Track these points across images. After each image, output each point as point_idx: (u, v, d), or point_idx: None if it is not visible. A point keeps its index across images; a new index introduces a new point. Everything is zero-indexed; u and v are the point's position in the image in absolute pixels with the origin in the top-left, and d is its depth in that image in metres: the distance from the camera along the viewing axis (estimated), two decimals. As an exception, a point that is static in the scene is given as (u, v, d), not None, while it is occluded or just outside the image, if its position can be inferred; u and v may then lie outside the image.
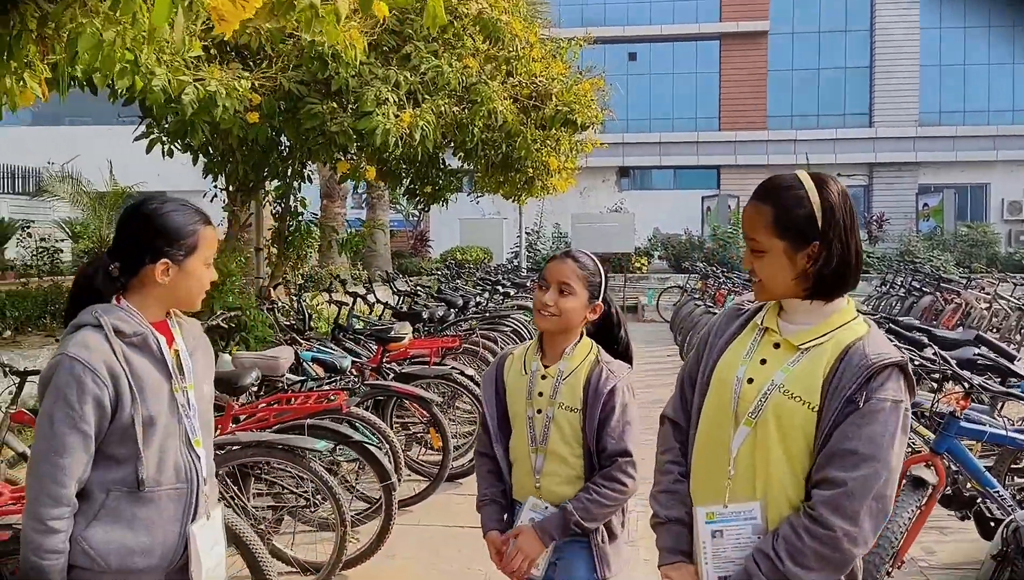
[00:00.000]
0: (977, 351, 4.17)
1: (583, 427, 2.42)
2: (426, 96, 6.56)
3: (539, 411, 2.46)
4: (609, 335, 2.60)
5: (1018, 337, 11.91)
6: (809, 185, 1.86)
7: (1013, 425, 4.25)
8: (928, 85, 29.48)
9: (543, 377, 2.48)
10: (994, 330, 12.12)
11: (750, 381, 1.89)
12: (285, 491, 4.50)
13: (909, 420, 1.81)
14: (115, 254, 2.10)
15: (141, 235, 2.08)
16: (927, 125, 29.09)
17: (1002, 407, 5.62)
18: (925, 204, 28.63)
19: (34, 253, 12.95)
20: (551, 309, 2.44)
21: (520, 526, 2.44)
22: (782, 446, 1.83)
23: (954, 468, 4.16)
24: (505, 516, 2.55)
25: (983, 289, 13.44)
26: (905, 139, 28.74)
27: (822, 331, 1.87)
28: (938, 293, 13.23)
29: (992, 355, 4.14)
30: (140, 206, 2.12)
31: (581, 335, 2.53)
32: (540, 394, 2.47)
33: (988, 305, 12.57)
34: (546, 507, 2.43)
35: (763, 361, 1.90)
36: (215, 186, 8.17)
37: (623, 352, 2.62)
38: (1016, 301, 12.53)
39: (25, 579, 1.92)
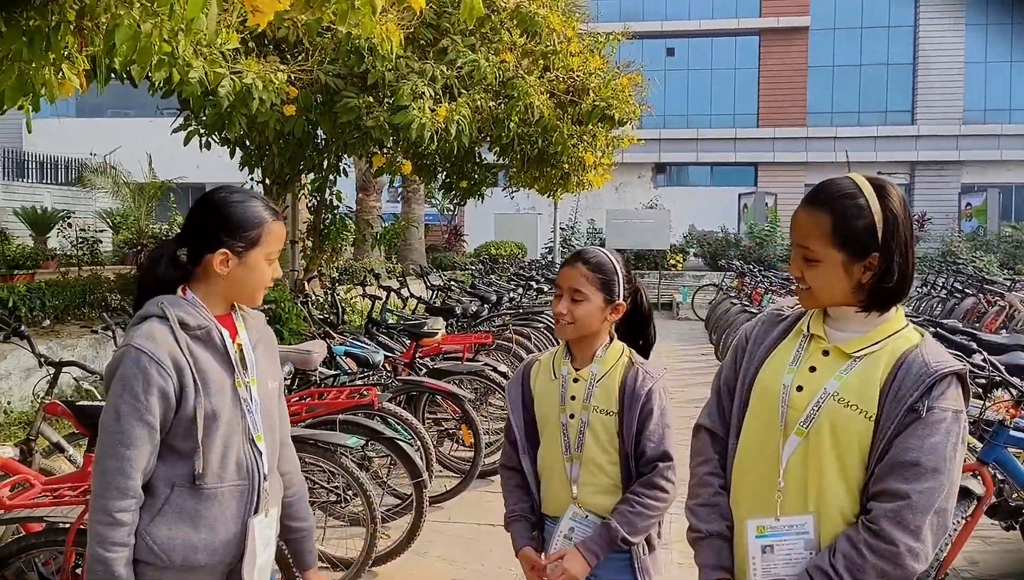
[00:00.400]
0: (1030, 357, 4.04)
1: (619, 431, 2.31)
2: (462, 90, 6.52)
3: (572, 416, 2.34)
4: (637, 329, 2.48)
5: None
6: (869, 192, 1.75)
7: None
8: (972, 82, 28.93)
9: (575, 380, 2.37)
10: (1040, 334, 11.81)
11: (799, 389, 1.81)
12: (316, 486, 4.49)
13: (967, 430, 1.73)
14: (182, 241, 2.10)
15: (206, 223, 2.06)
16: (971, 123, 28.54)
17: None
18: (968, 203, 28.09)
19: (74, 243, 13.12)
20: (566, 318, 2.34)
21: (562, 549, 2.30)
22: (835, 456, 1.75)
23: (1000, 477, 4.04)
24: (534, 532, 2.42)
25: (1029, 291, 13.11)
26: (948, 137, 28.24)
27: (875, 339, 1.78)
28: (981, 295, 12.94)
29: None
30: (210, 194, 2.11)
31: (612, 337, 2.42)
32: (573, 398, 2.35)
33: (1034, 308, 12.25)
34: (586, 515, 2.32)
35: (812, 369, 1.81)
36: (252, 179, 8.21)
37: (647, 348, 2.51)
38: (1063, 304, 12.19)
39: (91, 572, 1.91)
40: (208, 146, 7.05)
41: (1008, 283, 13.82)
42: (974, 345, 3.97)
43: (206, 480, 1.98)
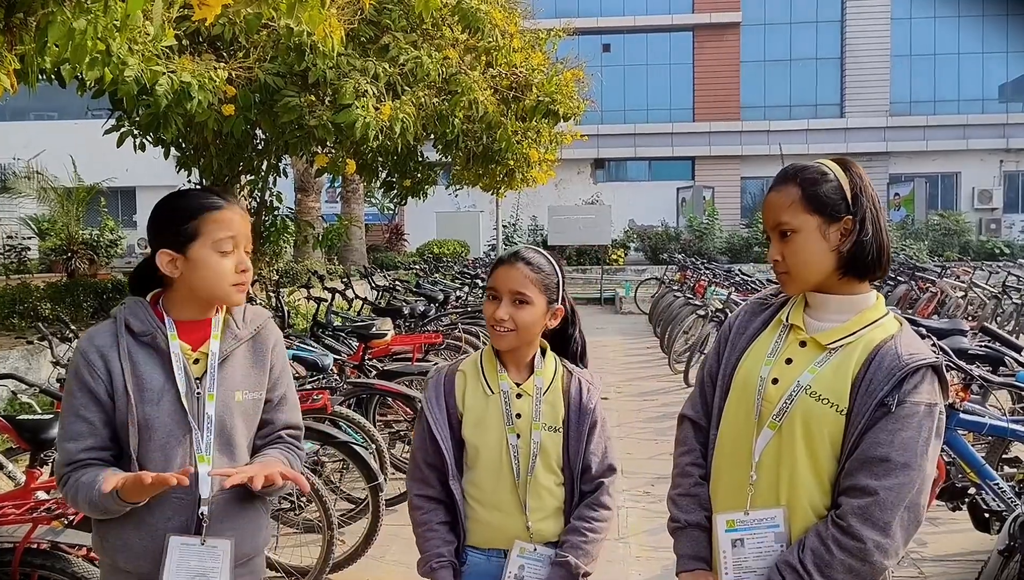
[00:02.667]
0: (980, 342, 4.13)
1: (565, 448, 2.12)
2: (405, 88, 6.44)
3: (519, 436, 2.09)
4: (563, 336, 2.24)
5: (994, 324, 12.00)
6: (832, 164, 1.84)
7: (1005, 415, 4.24)
8: (899, 75, 29.77)
9: (518, 396, 2.12)
10: (970, 318, 12.20)
11: (775, 382, 1.80)
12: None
13: (943, 423, 1.73)
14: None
15: (150, 226, 2.03)
16: (898, 115, 29.37)
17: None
18: (896, 193, 28.94)
19: (1, 252, 12.65)
20: (507, 324, 2.08)
21: None
22: (807, 451, 1.75)
23: (947, 460, 4.14)
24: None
25: (958, 277, 13.55)
26: (876, 129, 29.03)
27: (852, 329, 1.78)
28: (913, 282, 13.32)
29: (997, 347, 4.10)
30: (160, 202, 2.07)
31: (545, 345, 2.21)
32: (519, 416, 2.10)
33: (964, 293, 12.66)
34: (535, 548, 2.10)
35: (788, 361, 1.81)
36: (188, 181, 8.00)
37: (577, 354, 2.26)
38: (991, 289, 12.63)
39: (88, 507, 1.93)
40: (143, 148, 6.83)
41: (938, 270, 14.27)
42: (923, 330, 4.06)
43: None
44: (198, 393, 1.97)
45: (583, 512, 2.11)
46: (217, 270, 1.97)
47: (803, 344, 1.81)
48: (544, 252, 2.19)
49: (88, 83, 5.56)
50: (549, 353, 2.21)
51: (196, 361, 1.99)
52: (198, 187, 2.17)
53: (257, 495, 2.02)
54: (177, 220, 1.97)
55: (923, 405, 1.68)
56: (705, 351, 9.14)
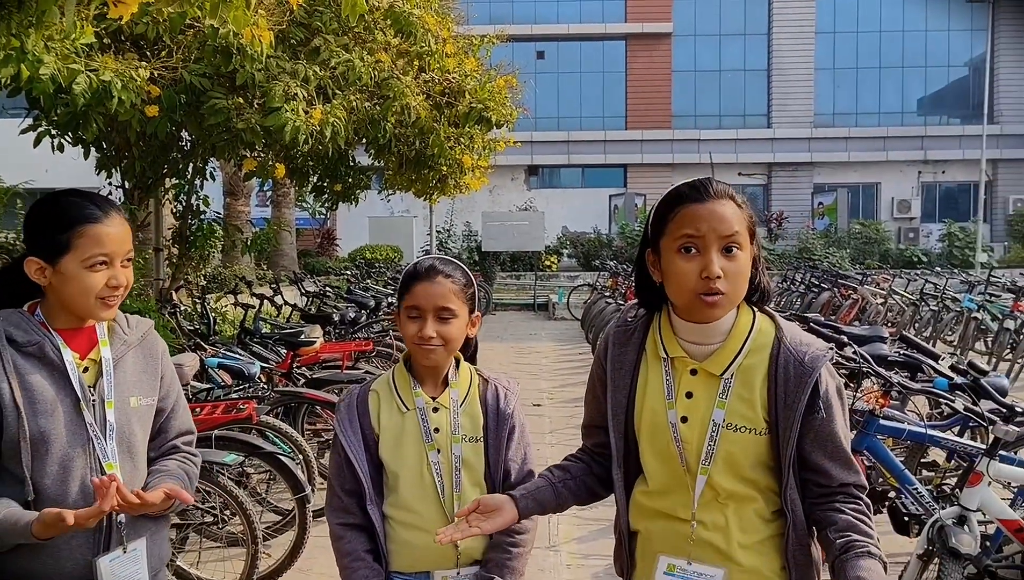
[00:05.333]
0: (898, 348, 4.25)
1: (487, 457, 2.08)
2: (336, 91, 6.35)
3: (439, 451, 2.04)
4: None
5: (912, 331, 12.41)
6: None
7: (923, 421, 4.37)
8: (822, 87, 30.66)
9: (435, 410, 2.06)
10: (889, 324, 12.60)
11: (684, 420, 1.75)
12: (190, 508, 4.25)
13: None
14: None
15: (25, 230, 1.93)
16: (821, 126, 30.24)
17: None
18: (820, 202, 29.81)
19: (-92, 255, 12.08)
20: (435, 341, 2.01)
21: None
22: (740, 481, 1.73)
23: (868, 464, 4.24)
24: None
25: (878, 285, 13.97)
26: (801, 140, 29.85)
27: (735, 348, 1.74)
28: (836, 289, 13.68)
29: (915, 354, 4.22)
30: (36, 202, 1.95)
31: (457, 357, 2.15)
32: (437, 430, 2.05)
33: (883, 300, 13.06)
34: (457, 573, 2.05)
35: (689, 394, 1.76)
36: (109, 183, 7.75)
37: (472, 355, 2.22)
38: (910, 296, 13.06)
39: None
40: (61, 148, 6.58)
41: (860, 277, 14.70)
42: (844, 338, 4.15)
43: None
44: (93, 400, 1.91)
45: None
46: (84, 286, 1.88)
47: (694, 372, 1.77)
48: (454, 260, 2.13)
49: (2, 80, 5.34)
50: (463, 363, 2.15)
51: (85, 369, 1.93)
52: (85, 191, 2.05)
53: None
54: (50, 229, 1.88)
55: (834, 389, 1.75)
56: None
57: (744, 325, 1.76)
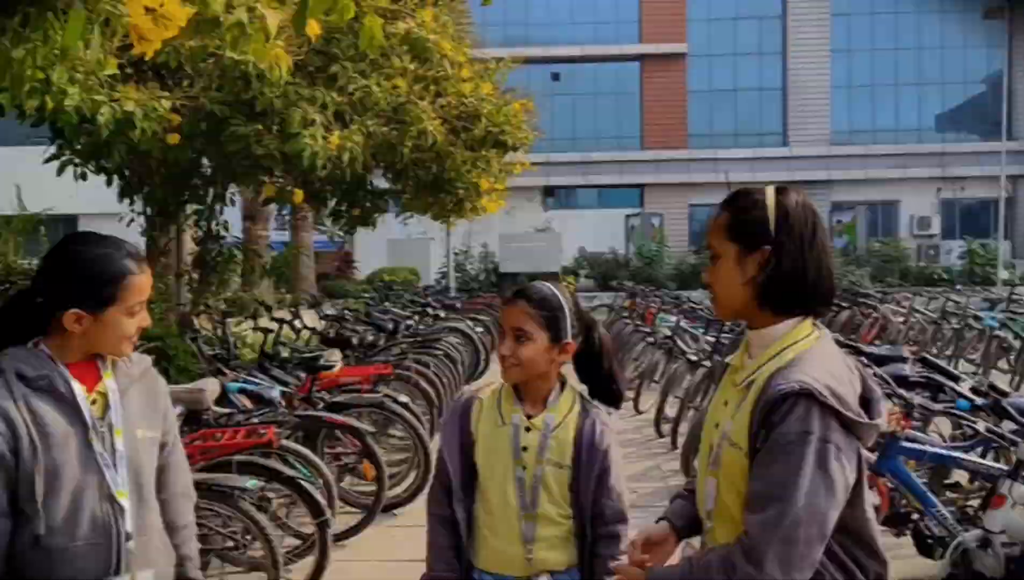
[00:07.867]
0: (918, 370, 4.22)
1: (572, 486, 2.15)
2: (354, 117, 6.43)
3: (524, 468, 2.14)
4: (591, 367, 2.23)
5: (934, 350, 12.29)
6: (768, 191, 1.74)
7: (945, 442, 4.33)
8: (838, 105, 30.58)
9: (527, 430, 2.15)
10: (911, 343, 12.47)
11: (716, 426, 1.79)
12: (212, 532, 4.27)
13: (831, 453, 1.59)
14: (37, 291, 1.97)
15: (58, 278, 1.94)
16: (838, 144, 30.13)
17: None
18: (838, 220, 29.62)
19: (-67, 282, 12.24)
20: (510, 360, 2.12)
21: None
22: (735, 496, 1.73)
23: (890, 486, 4.20)
24: None
25: (899, 303, 13.84)
26: (818, 158, 29.70)
27: (760, 362, 1.72)
28: (856, 308, 13.57)
29: (935, 375, 4.20)
30: (63, 246, 1.99)
31: (564, 380, 2.22)
32: (525, 449, 2.13)
33: (904, 319, 12.94)
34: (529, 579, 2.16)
35: (726, 402, 1.79)
36: (132, 209, 7.85)
37: (608, 389, 2.23)
38: (932, 314, 12.93)
39: None
40: (84, 177, 6.70)
41: (879, 296, 14.57)
42: (863, 359, 4.13)
43: (53, 539, 1.85)
44: (103, 431, 1.95)
45: (599, 550, 2.15)
46: (123, 331, 1.98)
47: (736, 384, 1.78)
48: (554, 287, 2.19)
49: (28, 112, 5.45)
50: (569, 389, 2.23)
51: (93, 401, 1.97)
52: (112, 238, 2.07)
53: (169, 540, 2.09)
54: (97, 282, 1.93)
55: (793, 434, 1.59)
56: (656, 379, 9.18)
57: (776, 348, 1.71)
